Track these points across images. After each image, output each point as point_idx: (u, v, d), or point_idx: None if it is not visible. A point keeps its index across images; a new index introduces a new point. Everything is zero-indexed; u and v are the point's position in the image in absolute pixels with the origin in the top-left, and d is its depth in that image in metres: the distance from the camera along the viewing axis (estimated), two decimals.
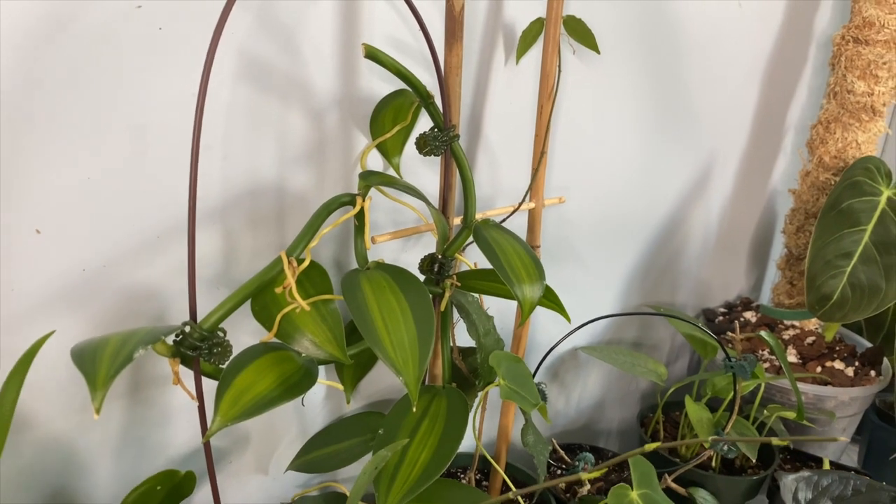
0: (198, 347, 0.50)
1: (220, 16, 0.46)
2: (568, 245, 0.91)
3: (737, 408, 0.84)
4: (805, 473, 0.76)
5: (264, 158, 0.62)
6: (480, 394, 0.72)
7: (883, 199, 0.96)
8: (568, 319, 0.69)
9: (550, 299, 0.69)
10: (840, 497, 0.74)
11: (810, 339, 1.06)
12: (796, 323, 1.11)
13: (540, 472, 0.73)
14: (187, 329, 0.50)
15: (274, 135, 0.62)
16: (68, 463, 0.61)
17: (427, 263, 0.66)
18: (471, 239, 0.68)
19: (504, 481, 0.81)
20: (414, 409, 0.59)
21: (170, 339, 0.51)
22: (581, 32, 0.73)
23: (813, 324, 1.10)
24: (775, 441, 0.58)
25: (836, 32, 1.01)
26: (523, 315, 0.60)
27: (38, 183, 0.52)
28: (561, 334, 0.82)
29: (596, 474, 0.62)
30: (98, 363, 0.42)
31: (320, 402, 0.76)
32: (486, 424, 0.91)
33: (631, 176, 0.94)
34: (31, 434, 0.58)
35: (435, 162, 0.73)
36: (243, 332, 0.65)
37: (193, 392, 0.52)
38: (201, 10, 0.55)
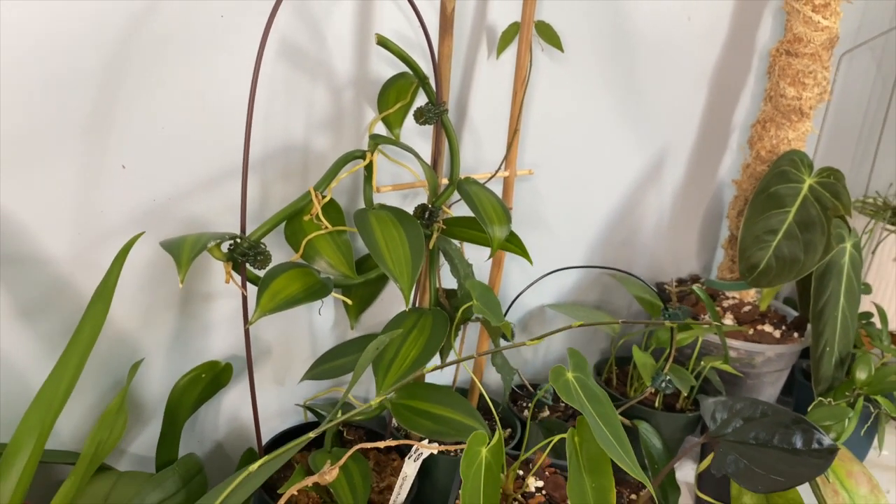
0: (246, 254, 0.67)
1: (272, 9, 0.63)
2: (538, 214, 1.09)
3: (672, 351, 1.01)
4: (722, 398, 0.92)
5: (295, 123, 0.79)
6: (458, 315, 0.88)
7: (805, 186, 1.13)
8: (530, 262, 0.85)
9: (514, 244, 0.85)
10: (749, 417, 0.90)
11: (747, 308, 1.24)
12: (736, 294, 1.28)
13: (505, 388, 0.90)
14: (239, 240, 0.67)
15: (303, 105, 0.79)
16: (132, 357, 0.77)
17: (420, 211, 0.83)
18: (456, 196, 0.85)
19: (480, 398, 0.98)
20: (406, 308, 0.75)
21: (224, 248, 0.68)
22: (549, 35, 0.91)
23: (751, 295, 1.28)
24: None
25: (772, 46, 1.19)
26: (493, 249, 0.77)
27: (125, 129, 0.69)
28: (536, 299, 0.99)
29: (536, 341, 0.79)
30: (182, 249, 0.59)
31: (329, 329, 0.92)
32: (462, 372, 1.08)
33: (593, 159, 1.11)
34: (108, 330, 0.74)
35: (428, 134, 0.90)
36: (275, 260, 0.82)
37: (239, 294, 0.69)
38: (252, 3, 0.72)
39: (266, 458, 0.58)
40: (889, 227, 1.39)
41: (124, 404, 0.65)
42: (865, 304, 1.40)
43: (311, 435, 0.62)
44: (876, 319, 1.27)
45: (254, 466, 0.57)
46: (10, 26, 0.60)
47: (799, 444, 0.87)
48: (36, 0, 0.60)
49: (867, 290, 1.39)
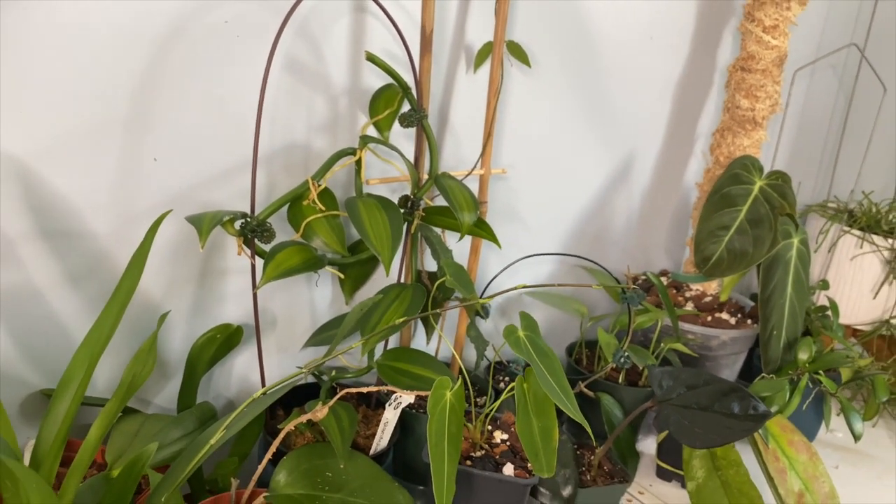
0: (255, 230, 0.82)
1: (279, 30, 0.78)
2: (514, 211, 1.22)
3: (630, 331, 1.14)
4: (668, 368, 1.05)
5: (297, 125, 0.94)
6: (433, 288, 1.01)
7: (756, 188, 1.26)
8: (499, 245, 0.99)
9: (484, 230, 0.99)
10: (693, 385, 1.03)
11: (707, 299, 1.37)
12: (700, 286, 1.41)
13: (478, 356, 1.03)
14: (249, 219, 0.82)
15: (304, 110, 0.94)
16: (155, 322, 0.91)
17: (403, 201, 0.97)
18: (436, 190, 0.99)
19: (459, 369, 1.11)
20: (387, 275, 0.89)
21: (237, 226, 0.82)
22: (518, 52, 1.05)
23: (713, 287, 1.41)
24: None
25: (730, 63, 1.33)
26: (462, 231, 0.91)
27: (158, 128, 0.84)
28: (509, 282, 1.12)
29: (488, 299, 0.92)
30: (203, 221, 0.74)
31: (327, 305, 1.07)
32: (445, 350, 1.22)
33: (564, 162, 1.25)
34: (137, 298, 0.89)
35: (412, 136, 1.04)
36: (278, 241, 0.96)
37: (248, 268, 0.83)
38: (262, 24, 0.86)
39: (267, 387, 0.72)
40: (846, 228, 1.52)
41: (154, 345, 0.79)
42: (824, 299, 1.53)
43: (304, 371, 0.76)
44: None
45: (257, 394, 0.71)
46: (64, 47, 0.75)
47: (736, 409, 0.99)
48: (84, 21, 0.75)
49: (825, 285, 1.52)
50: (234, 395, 1.02)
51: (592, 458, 1.07)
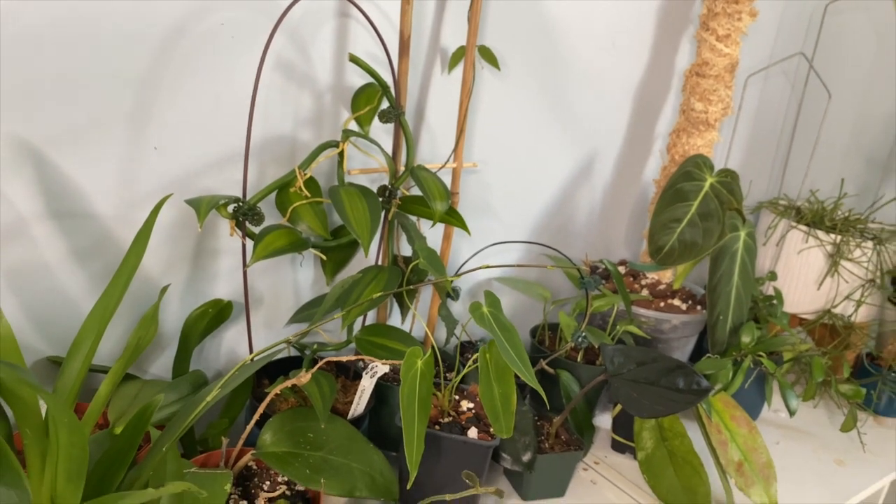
0: (246, 214, 0.90)
1: (270, 33, 0.87)
2: (485, 203, 1.32)
3: (588, 314, 1.24)
4: (621, 346, 1.16)
5: (286, 120, 1.03)
6: (408, 270, 1.11)
7: (707, 184, 1.37)
8: (468, 232, 1.08)
9: (455, 218, 1.08)
10: (642, 362, 1.14)
11: (662, 287, 1.48)
12: (655, 275, 1.52)
13: (448, 333, 1.13)
14: (241, 203, 0.90)
15: (292, 106, 1.03)
16: (154, 297, 1.00)
17: (381, 190, 1.06)
18: (412, 182, 1.09)
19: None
20: (366, 256, 0.98)
21: (230, 210, 0.91)
22: (489, 56, 1.15)
23: (667, 276, 1.52)
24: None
25: (686, 68, 1.44)
26: (434, 218, 1.01)
27: (159, 120, 0.92)
28: (482, 273, 1.22)
29: (456, 277, 1.02)
30: (201, 204, 0.83)
31: (310, 285, 1.16)
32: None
33: (531, 158, 1.35)
34: (138, 275, 0.97)
35: (390, 131, 1.13)
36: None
37: (240, 249, 0.92)
38: (255, 27, 0.95)
39: (256, 353, 0.81)
40: (793, 224, 1.63)
41: (157, 312, 0.88)
42: (773, 290, 1.64)
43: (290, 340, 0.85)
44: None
45: (247, 359, 0.80)
46: (75, 45, 0.83)
47: (681, 384, 1.10)
48: (95, 20, 0.84)
49: (773, 277, 1.63)
50: (223, 366, 1.10)
51: (551, 427, 1.17)
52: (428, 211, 1.07)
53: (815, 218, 1.63)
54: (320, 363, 0.89)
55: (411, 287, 0.96)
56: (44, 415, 0.73)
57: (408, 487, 0.86)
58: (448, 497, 0.81)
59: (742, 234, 1.39)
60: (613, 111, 1.45)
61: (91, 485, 0.72)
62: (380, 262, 1.14)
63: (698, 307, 1.44)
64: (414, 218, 1.13)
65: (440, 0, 1.12)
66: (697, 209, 1.36)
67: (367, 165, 1.12)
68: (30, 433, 0.72)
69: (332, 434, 0.93)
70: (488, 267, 0.93)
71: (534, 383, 0.87)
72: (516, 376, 0.90)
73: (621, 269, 1.55)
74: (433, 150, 1.21)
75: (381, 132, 1.13)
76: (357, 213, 0.94)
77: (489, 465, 1.03)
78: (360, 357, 0.90)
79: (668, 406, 1.09)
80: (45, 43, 0.81)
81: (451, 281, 1.11)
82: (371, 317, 1.24)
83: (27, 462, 0.71)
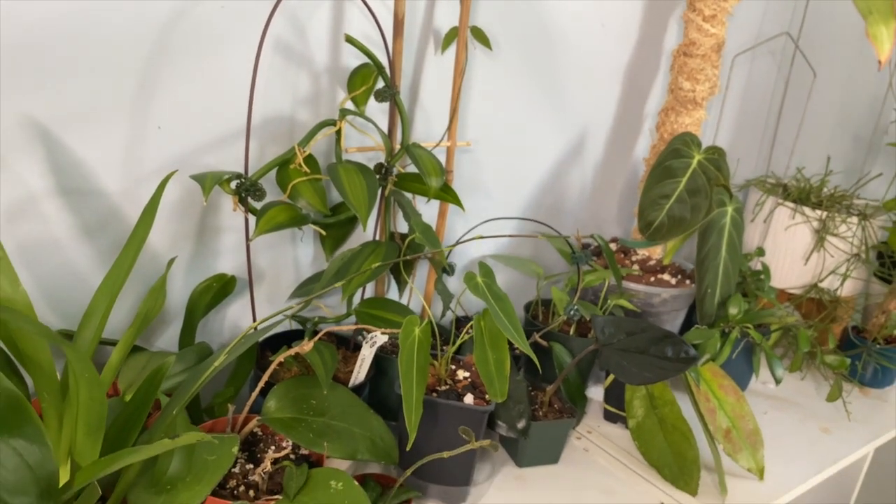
0: (248, 189, 0.94)
1: (269, 16, 0.90)
2: (479, 181, 1.36)
3: (579, 288, 1.28)
4: (611, 317, 1.19)
5: (285, 100, 1.06)
6: (404, 245, 1.14)
7: (695, 161, 1.41)
8: (462, 208, 1.12)
9: (449, 194, 1.12)
10: (631, 332, 1.18)
11: (652, 262, 1.52)
12: (646, 251, 1.56)
13: (444, 307, 1.17)
14: (243, 179, 0.94)
15: (291, 86, 1.06)
16: (160, 272, 1.03)
17: (378, 168, 1.10)
18: (408, 160, 1.12)
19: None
20: (364, 230, 1.01)
21: (232, 186, 0.95)
22: (481, 37, 1.18)
23: (657, 252, 1.55)
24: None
25: (674, 48, 1.47)
26: (429, 194, 1.04)
27: (162, 100, 0.95)
28: (476, 251, 1.26)
29: (450, 248, 1.06)
30: (206, 179, 0.86)
31: (309, 262, 1.19)
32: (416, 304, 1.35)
33: (523, 136, 1.39)
34: (144, 252, 1.01)
35: (386, 110, 1.17)
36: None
37: (241, 225, 0.95)
38: (254, 9, 0.98)
39: (259, 321, 0.85)
40: (780, 201, 1.67)
41: (164, 284, 0.91)
42: (761, 265, 1.68)
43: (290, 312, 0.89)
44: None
45: (250, 328, 0.84)
46: (83, 31, 0.86)
47: (670, 353, 1.14)
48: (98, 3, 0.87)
49: (761, 252, 1.67)
50: (226, 339, 1.14)
51: (544, 396, 1.22)
52: (423, 187, 1.11)
53: (801, 195, 1.67)
54: (321, 333, 0.93)
55: (408, 258, 0.99)
56: (59, 378, 0.76)
57: (407, 449, 0.90)
58: (446, 454, 0.85)
59: (729, 209, 1.42)
60: (604, 91, 1.49)
61: (105, 446, 0.75)
62: (377, 239, 1.18)
63: (687, 281, 1.48)
64: (410, 195, 1.16)
65: None
66: (686, 185, 1.40)
67: (363, 144, 1.15)
68: (47, 396, 0.75)
69: (334, 401, 0.97)
70: (482, 238, 0.97)
71: (525, 348, 0.91)
72: (511, 347, 0.93)
73: (613, 247, 1.59)
74: (427, 130, 1.24)
75: (377, 111, 1.16)
76: (355, 189, 0.97)
77: (485, 433, 1.07)
78: (360, 326, 0.94)
79: (656, 373, 1.13)
80: (54, 28, 0.84)
81: (447, 254, 1.15)
82: (370, 291, 1.28)
83: (45, 423, 0.75)
